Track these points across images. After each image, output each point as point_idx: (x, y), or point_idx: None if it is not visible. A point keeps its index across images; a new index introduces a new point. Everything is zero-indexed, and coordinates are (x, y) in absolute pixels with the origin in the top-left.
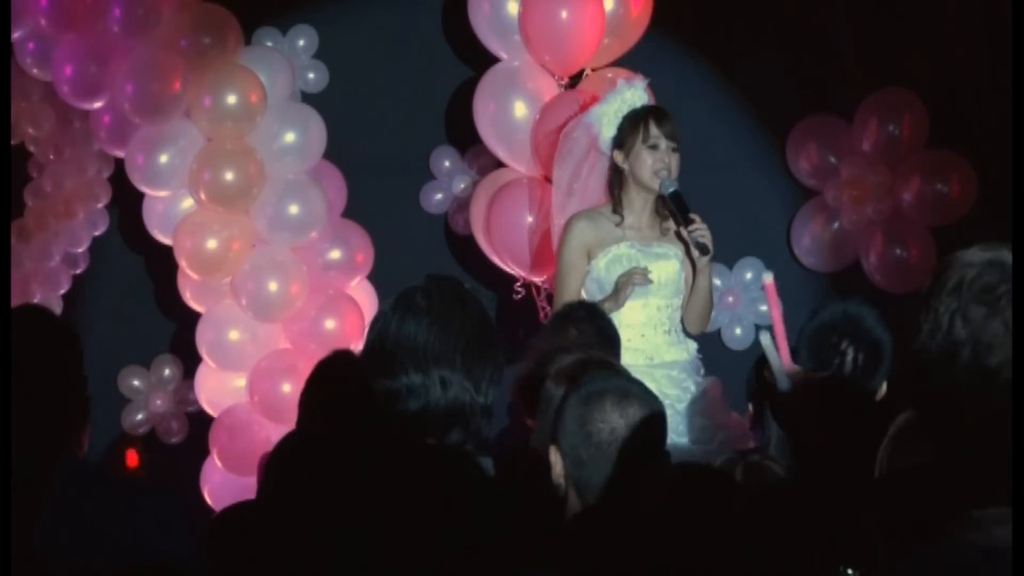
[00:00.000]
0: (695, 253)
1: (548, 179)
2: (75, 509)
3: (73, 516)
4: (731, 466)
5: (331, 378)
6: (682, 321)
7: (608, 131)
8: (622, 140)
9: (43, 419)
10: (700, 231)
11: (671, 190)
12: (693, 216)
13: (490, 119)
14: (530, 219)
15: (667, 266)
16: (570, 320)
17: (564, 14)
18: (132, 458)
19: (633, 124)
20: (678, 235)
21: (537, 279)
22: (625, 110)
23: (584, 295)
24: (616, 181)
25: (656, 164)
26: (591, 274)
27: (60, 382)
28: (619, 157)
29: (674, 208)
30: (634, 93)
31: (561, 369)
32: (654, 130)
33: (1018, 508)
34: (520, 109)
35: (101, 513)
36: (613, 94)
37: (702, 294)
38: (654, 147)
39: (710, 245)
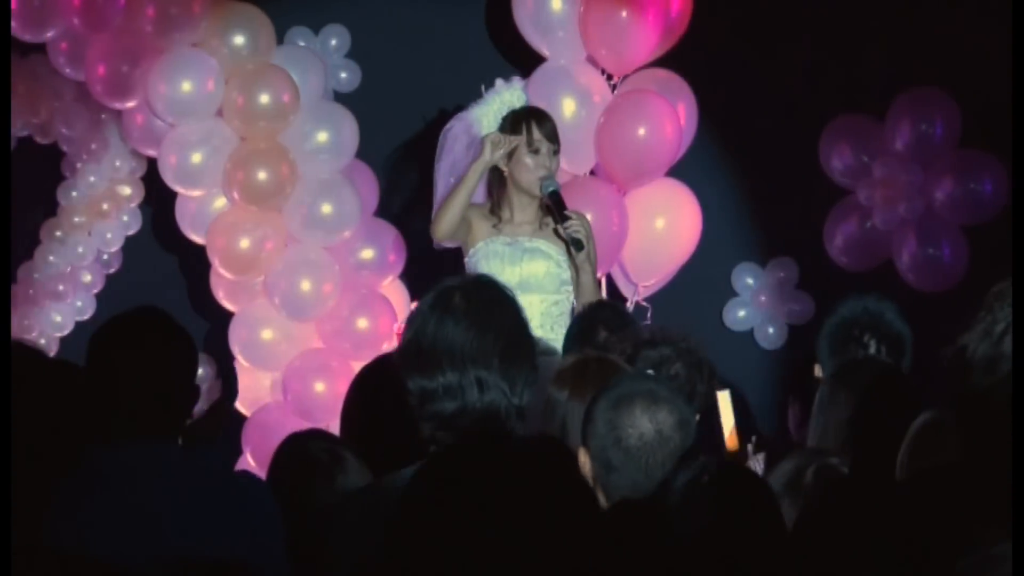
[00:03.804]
0: (573, 250)
1: (608, 180)
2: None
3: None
4: (803, 465)
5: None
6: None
7: (488, 131)
8: None
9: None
10: (574, 227)
11: (550, 189)
12: (569, 213)
13: None
14: (588, 218)
15: (534, 263)
16: (598, 321)
17: (624, 13)
18: None
19: (515, 127)
20: (556, 233)
21: None
22: (505, 111)
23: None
24: (496, 182)
25: (539, 170)
26: (467, 270)
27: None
28: (501, 160)
29: (552, 206)
30: (513, 94)
31: (561, 373)
32: (536, 133)
33: (1018, 510)
34: (569, 107)
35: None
36: (492, 94)
37: (586, 290)
38: (536, 151)
39: (585, 240)
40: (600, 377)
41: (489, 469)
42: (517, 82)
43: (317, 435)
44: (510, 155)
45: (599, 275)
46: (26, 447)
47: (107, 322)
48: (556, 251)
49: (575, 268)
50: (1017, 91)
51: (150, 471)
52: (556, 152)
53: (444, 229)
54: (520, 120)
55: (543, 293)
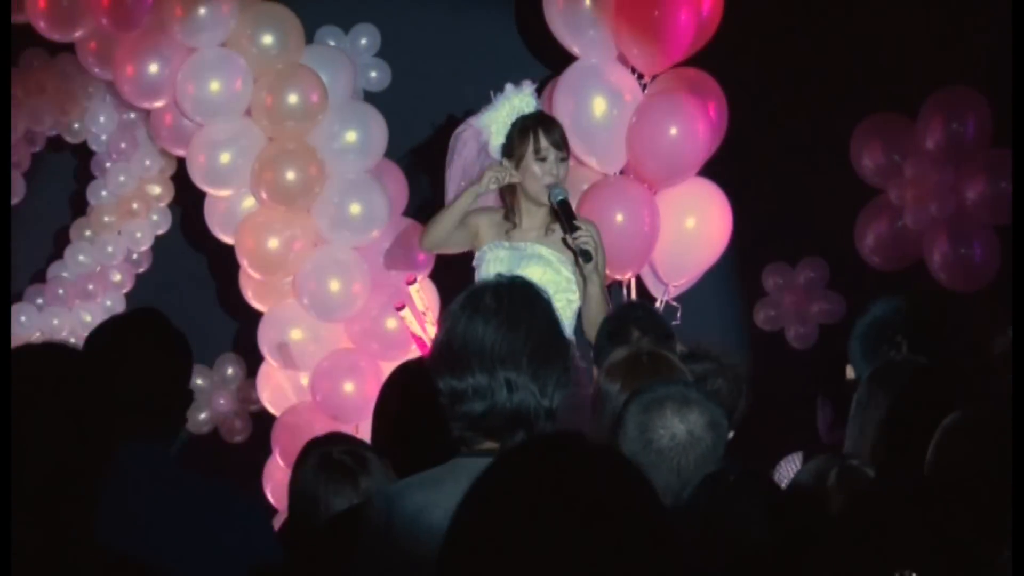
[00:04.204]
0: (581, 261)
1: (639, 179)
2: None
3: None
4: (825, 468)
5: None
6: (582, 330)
7: (497, 138)
8: (511, 150)
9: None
10: (583, 238)
11: (559, 198)
12: (578, 223)
13: (569, 116)
14: (620, 217)
15: (530, 269)
16: (630, 320)
17: (656, 12)
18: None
19: (522, 134)
20: (565, 242)
21: (620, 277)
22: (514, 116)
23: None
24: (507, 188)
25: (545, 177)
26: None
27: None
28: (509, 167)
29: (561, 215)
30: (522, 99)
31: (614, 365)
32: (543, 141)
33: (1018, 509)
34: (600, 107)
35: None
36: (501, 99)
37: (592, 301)
38: (543, 159)
39: (593, 252)
40: (652, 370)
41: (564, 475)
42: (527, 86)
43: (337, 438)
44: (518, 163)
45: (629, 275)
46: (61, 444)
47: (100, 325)
48: (557, 257)
49: (583, 278)
50: (1018, 90)
51: (137, 473)
52: (564, 159)
53: (429, 242)
54: (528, 128)
55: None
